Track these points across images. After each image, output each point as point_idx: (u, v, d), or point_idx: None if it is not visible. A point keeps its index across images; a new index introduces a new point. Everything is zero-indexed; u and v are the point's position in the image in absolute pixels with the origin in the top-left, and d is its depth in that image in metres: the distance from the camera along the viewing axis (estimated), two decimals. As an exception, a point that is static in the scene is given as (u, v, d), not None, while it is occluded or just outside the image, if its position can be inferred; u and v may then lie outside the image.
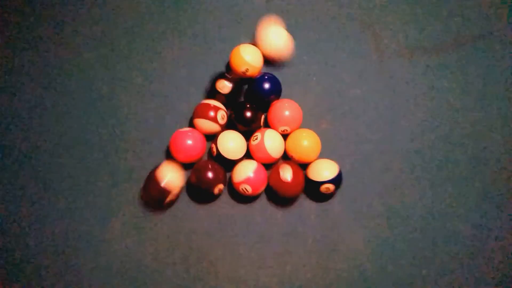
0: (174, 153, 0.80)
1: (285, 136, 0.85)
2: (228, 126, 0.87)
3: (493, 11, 0.98)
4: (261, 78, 0.85)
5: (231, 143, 0.80)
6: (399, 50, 0.95)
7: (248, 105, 0.83)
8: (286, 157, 0.86)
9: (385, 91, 0.92)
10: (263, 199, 0.84)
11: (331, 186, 0.79)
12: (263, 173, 0.80)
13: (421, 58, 0.95)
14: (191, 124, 0.87)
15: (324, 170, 0.79)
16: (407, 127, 0.89)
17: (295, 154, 0.82)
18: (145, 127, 0.88)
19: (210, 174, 0.77)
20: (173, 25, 0.96)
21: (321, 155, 0.84)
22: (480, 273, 0.80)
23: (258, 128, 0.85)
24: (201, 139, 0.82)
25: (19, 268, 0.79)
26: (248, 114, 0.82)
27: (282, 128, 0.84)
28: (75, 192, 0.84)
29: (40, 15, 0.97)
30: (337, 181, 0.79)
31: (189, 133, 0.81)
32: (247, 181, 0.78)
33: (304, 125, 0.87)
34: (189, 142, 0.80)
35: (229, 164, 0.81)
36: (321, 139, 0.83)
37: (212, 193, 0.78)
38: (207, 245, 0.81)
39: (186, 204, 0.83)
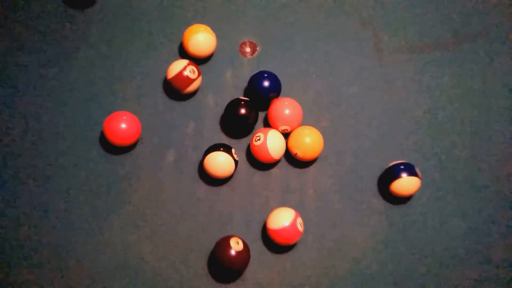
0: (108, 135, 0.81)
1: (285, 135, 0.84)
2: (225, 124, 0.87)
3: (492, 8, 0.99)
4: (260, 76, 0.85)
5: (221, 157, 0.79)
6: (399, 47, 0.95)
7: (243, 102, 0.83)
8: (288, 157, 0.86)
9: (385, 89, 0.92)
10: (263, 197, 0.84)
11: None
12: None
13: (421, 55, 0.95)
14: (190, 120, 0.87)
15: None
16: (406, 124, 0.89)
17: (299, 151, 0.81)
18: (145, 125, 0.88)
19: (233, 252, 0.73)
20: (172, 23, 0.96)
21: (321, 153, 0.84)
22: (480, 271, 0.80)
23: (254, 124, 0.85)
24: (136, 124, 0.83)
25: (18, 268, 0.79)
26: (243, 110, 0.82)
27: (282, 128, 0.84)
28: (74, 191, 0.83)
29: (38, 14, 0.96)
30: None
31: (123, 117, 0.82)
32: (283, 231, 0.75)
33: (303, 122, 0.87)
34: (123, 125, 0.81)
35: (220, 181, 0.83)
36: (320, 137, 0.83)
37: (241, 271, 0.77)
38: (207, 243, 0.81)
39: (186, 202, 0.83)
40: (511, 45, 0.96)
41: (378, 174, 0.86)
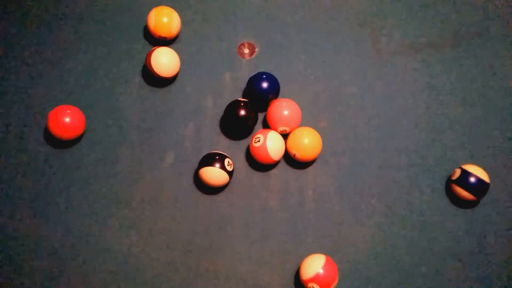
0: (53, 129, 0.82)
1: (284, 136, 0.84)
2: (224, 126, 0.87)
3: (491, 7, 0.98)
4: (259, 77, 0.85)
5: (214, 171, 0.79)
6: (397, 47, 0.95)
7: (242, 103, 0.83)
8: (287, 157, 0.86)
9: (383, 89, 0.92)
10: (263, 198, 0.84)
11: None
12: (333, 267, 0.75)
13: (419, 55, 0.95)
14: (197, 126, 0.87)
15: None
16: (405, 124, 0.89)
17: (298, 152, 0.82)
18: (145, 127, 0.88)
19: None
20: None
21: (320, 153, 0.84)
22: (479, 270, 0.80)
23: (253, 125, 0.85)
24: (80, 117, 0.84)
25: (18, 268, 0.79)
26: (243, 112, 0.82)
27: (281, 128, 0.84)
28: (74, 192, 0.84)
29: (38, 14, 0.97)
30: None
31: (67, 110, 0.83)
32: (316, 278, 0.73)
33: (302, 123, 0.87)
34: (67, 119, 0.82)
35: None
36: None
37: None
38: (206, 244, 0.81)
39: (186, 203, 0.83)
40: (511, 45, 0.95)
41: (377, 174, 0.86)
